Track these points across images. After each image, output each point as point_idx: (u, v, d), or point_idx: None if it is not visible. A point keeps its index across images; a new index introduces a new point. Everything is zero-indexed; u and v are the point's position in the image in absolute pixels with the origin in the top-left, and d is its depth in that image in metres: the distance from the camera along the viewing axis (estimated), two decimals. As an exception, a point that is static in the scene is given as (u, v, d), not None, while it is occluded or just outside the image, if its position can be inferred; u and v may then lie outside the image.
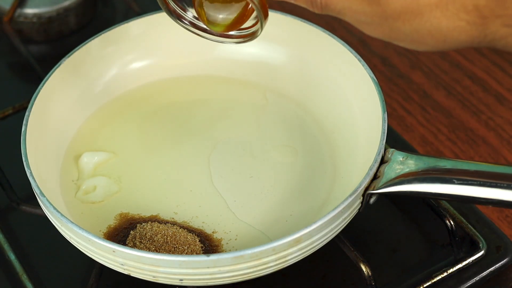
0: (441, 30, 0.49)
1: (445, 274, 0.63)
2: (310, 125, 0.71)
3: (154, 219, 0.64)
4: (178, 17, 0.62)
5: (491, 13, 0.47)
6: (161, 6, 0.62)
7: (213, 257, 0.54)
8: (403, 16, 0.48)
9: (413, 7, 0.48)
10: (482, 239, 0.64)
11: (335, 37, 0.69)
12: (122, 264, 0.56)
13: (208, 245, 0.62)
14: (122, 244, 0.56)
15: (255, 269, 0.55)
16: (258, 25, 0.58)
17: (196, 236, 0.62)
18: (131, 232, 0.62)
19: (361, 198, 0.58)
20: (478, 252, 0.64)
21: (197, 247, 0.61)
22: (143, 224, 0.63)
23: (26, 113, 0.64)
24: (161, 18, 0.73)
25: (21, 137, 0.63)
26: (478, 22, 0.48)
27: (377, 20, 0.50)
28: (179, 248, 0.61)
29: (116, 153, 0.69)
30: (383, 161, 0.60)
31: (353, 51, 0.67)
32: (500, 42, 0.49)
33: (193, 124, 0.72)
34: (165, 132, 0.71)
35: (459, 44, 0.50)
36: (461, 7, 0.47)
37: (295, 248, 0.55)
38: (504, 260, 0.64)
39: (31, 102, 0.65)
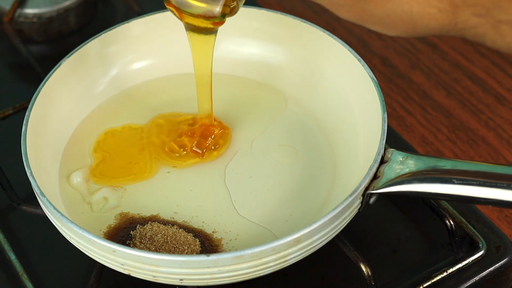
0: (412, 16, 0.49)
1: (445, 274, 0.63)
2: (310, 125, 0.71)
3: (154, 219, 0.64)
4: None
5: (462, 2, 0.48)
6: None
7: (213, 257, 0.54)
8: (375, 0, 0.49)
9: None
10: (482, 239, 0.64)
11: (335, 37, 0.69)
12: (122, 264, 0.56)
13: (208, 245, 0.62)
14: (122, 244, 0.56)
15: (255, 269, 0.55)
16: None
17: (196, 236, 0.62)
18: (131, 232, 0.62)
19: (361, 198, 0.58)
20: (478, 252, 0.64)
21: (197, 247, 0.61)
22: (143, 224, 0.63)
23: (26, 113, 0.64)
24: (161, 18, 0.74)
25: (21, 137, 0.63)
26: (449, 10, 0.48)
27: (350, 2, 0.51)
28: (179, 248, 0.61)
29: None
30: (383, 161, 0.60)
31: (353, 51, 0.67)
32: (470, 32, 0.50)
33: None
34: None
35: (429, 31, 0.51)
36: None
37: (295, 248, 0.56)
38: (504, 260, 0.64)
39: (31, 102, 0.65)
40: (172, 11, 0.57)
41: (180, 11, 0.57)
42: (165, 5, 0.57)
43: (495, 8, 0.46)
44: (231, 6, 0.56)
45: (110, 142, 0.70)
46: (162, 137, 0.70)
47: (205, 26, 0.58)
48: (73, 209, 0.65)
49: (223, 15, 0.55)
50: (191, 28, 0.59)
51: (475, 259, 0.64)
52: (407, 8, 0.48)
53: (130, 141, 0.70)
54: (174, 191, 0.66)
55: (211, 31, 0.59)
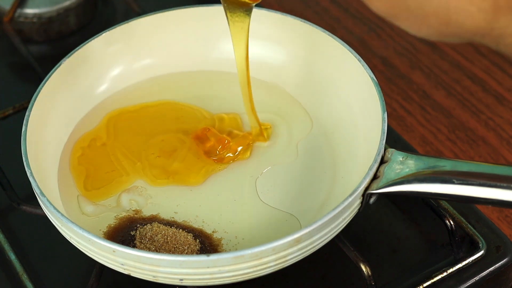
0: (448, 10, 0.45)
1: (445, 274, 0.63)
2: (310, 125, 0.71)
3: (154, 219, 0.64)
4: None
5: (507, 4, 0.44)
6: None
7: (213, 257, 0.54)
8: None
9: None
10: (482, 239, 0.64)
11: (335, 37, 0.69)
12: (122, 264, 0.56)
13: (208, 245, 0.62)
14: (122, 244, 0.56)
15: (255, 269, 0.55)
16: None
17: (196, 236, 0.62)
18: (131, 232, 0.62)
19: (361, 198, 0.58)
20: (478, 252, 0.64)
21: (197, 247, 0.61)
22: (143, 224, 0.63)
23: (26, 113, 0.64)
24: (161, 18, 0.74)
25: (21, 137, 0.63)
26: (490, 11, 0.44)
27: None
28: (179, 248, 0.61)
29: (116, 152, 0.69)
30: (383, 161, 0.60)
31: (353, 51, 0.67)
32: (506, 40, 0.45)
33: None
34: (164, 131, 0.71)
35: (462, 32, 0.46)
36: None
37: (295, 248, 0.55)
38: (504, 260, 0.64)
39: (31, 102, 0.65)
40: None
41: None
42: None
43: None
44: None
45: (88, 156, 0.69)
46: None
47: (243, 0, 0.59)
48: (73, 209, 0.65)
49: None
50: (229, 6, 0.60)
51: (475, 259, 0.64)
52: (444, 1, 0.45)
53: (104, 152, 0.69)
54: (174, 190, 0.66)
55: (248, 7, 0.60)
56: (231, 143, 0.68)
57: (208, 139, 0.68)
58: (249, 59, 0.65)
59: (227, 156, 0.68)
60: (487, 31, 0.45)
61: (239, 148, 0.68)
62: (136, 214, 0.64)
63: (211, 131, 0.68)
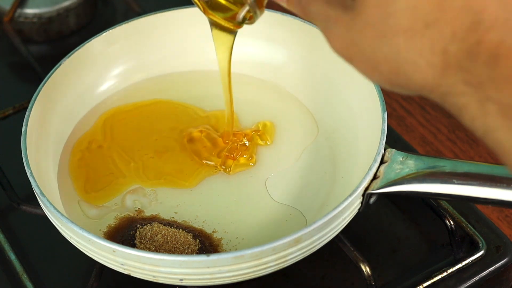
0: (398, 60, 0.43)
1: (445, 274, 0.63)
2: (310, 125, 0.71)
3: (154, 219, 0.64)
4: None
5: (458, 63, 0.42)
6: None
7: (213, 257, 0.54)
8: (366, 30, 0.44)
9: (379, 24, 0.43)
10: (481, 239, 0.64)
11: (335, 37, 0.69)
12: (122, 264, 0.56)
13: (208, 244, 0.62)
14: (122, 244, 0.56)
15: (255, 269, 0.55)
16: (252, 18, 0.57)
17: (196, 236, 0.62)
18: (131, 232, 0.62)
19: (361, 198, 0.58)
20: (478, 252, 0.64)
21: (197, 247, 0.61)
22: (143, 224, 0.63)
23: (26, 113, 0.64)
24: (161, 18, 0.74)
25: (21, 137, 0.63)
26: (439, 66, 0.42)
27: (343, 29, 0.46)
28: (179, 248, 0.61)
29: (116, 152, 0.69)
30: (383, 161, 0.60)
31: (353, 51, 0.67)
32: (451, 99, 0.43)
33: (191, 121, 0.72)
34: (158, 131, 0.71)
35: (410, 84, 0.44)
36: (427, 44, 0.42)
37: (295, 248, 0.55)
38: (504, 260, 0.64)
39: (31, 102, 0.65)
40: (197, 4, 0.59)
41: (206, 11, 0.59)
42: None
43: (490, 83, 0.41)
44: (248, 16, 0.57)
45: (87, 158, 0.69)
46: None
47: (224, 25, 0.59)
48: (73, 209, 0.65)
49: (243, 20, 0.57)
50: (213, 24, 0.61)
51: (475, 259, 0.64)
52: (394, 50, 0.43)
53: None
54: (174, 190, 0.66)
55: (231, 31, 0.61)
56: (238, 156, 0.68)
57: (201, 141, 0.68)
58: (248, 59, 0.65)
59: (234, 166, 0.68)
60: (434, 87, 0.43)
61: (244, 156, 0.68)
62: (136, 214, 0.64)
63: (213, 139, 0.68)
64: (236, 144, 0.68)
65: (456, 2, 0.41)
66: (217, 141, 0.69)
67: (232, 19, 0.58)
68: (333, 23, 0.46)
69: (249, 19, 0.57)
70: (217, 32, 0.61)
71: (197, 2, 0.58)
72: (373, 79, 0.46)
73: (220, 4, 0.57)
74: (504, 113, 0.41)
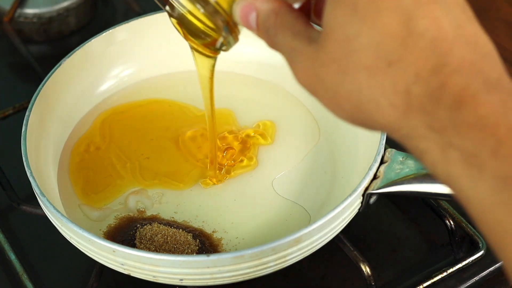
0: (360, 98, 0.41)
1: (444, 274, 0.63)
2: (310, 125, 0.71)
3: (154, 219, 0.64)
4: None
5: (420, 105, 0.40)
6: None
7: (213, 257, 0.54)
8: (330, 65, 0.42)
9: (342, 60, 0.42)
10: (481, 239, 0.64)
11: (335, 37, 0.69)
12: (122, 264, 0.56)
13: (208, 244, 0.62)
14: (122, 244, 0.56)
15: (255, 269, 0.55)
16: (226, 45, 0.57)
17: (196, 236, 0.62)
18: (131, 232, 0.62)
19: (361, 198, 0.58)
20: (478, 252, 0.64)
21: (197, 247, 0.61)
22: (143, 224, 0.63)
23: (26, 113, 0.64)
24: (161, 18, 0.74)
25: (21, 137, 0.63)
26: (401, 108, 0.40)
27: (307, 63, 0.45)
28: (179, 248, 0.61)
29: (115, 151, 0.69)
30: (382, 161, 0.60)
31: (353, 51, 0.67)
32: (412, 143, 0.42)
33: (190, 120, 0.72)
34: (154, 131, 0.71)
35: (372, 122, 0.42)
36: (389, 83, 0.40)
37: (295, 248, 0.55)
38: (504, 260, 0.64)
39: (31, 102, 0.65)
40: (176, 28, 0.59)
41: (186, 36, 0.59)
42: (170, 19, 0.59)
43: (453, 128, 0.39)
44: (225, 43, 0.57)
45: (86, 161, 0.69)
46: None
47: (202, 51, 0.59)
48: (73, 209, 0.65)
49: (220, 47, 0.57)
50: (193, 48, 0.61)
51: (475, 259, 0.64)
52: (356, 87, 0.41)
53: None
54: (174, 190, 0.66)
55: (209, 57, 0.61)
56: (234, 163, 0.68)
57: (196, 141, 0.68)
58: (248, 59, 0.65)
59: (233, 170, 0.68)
60: (395, 128, 0.42)
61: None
62: (137, 214, 0.64)
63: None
64: (221, 155, 0.68)
65: (421, 41, 0.39)
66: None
67: (211, 45, 0.58)
68: (298, 55, 0.45)
69: (225, 46, 0.57)
70: (197, 56, 0.60)
71: (178, 27, 0.58)
72: (336, 114, 0.44)
73: (201, 30, 0.57)
74: (466, 161, 0.39)
